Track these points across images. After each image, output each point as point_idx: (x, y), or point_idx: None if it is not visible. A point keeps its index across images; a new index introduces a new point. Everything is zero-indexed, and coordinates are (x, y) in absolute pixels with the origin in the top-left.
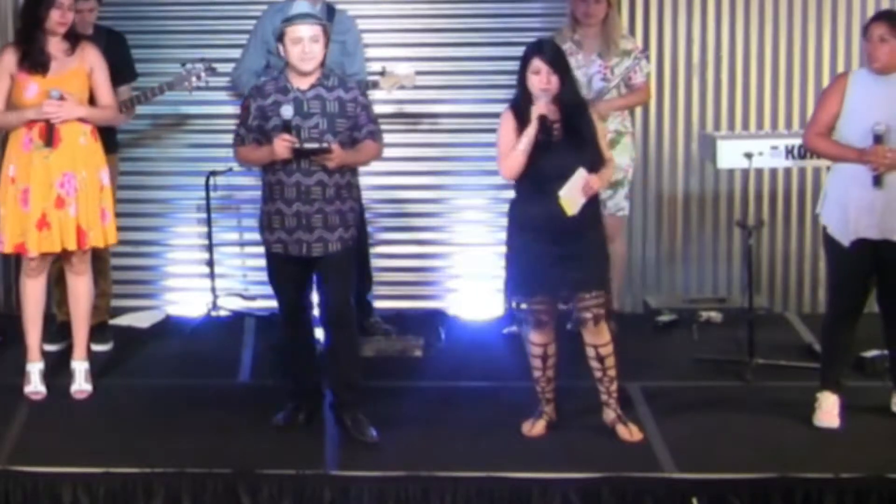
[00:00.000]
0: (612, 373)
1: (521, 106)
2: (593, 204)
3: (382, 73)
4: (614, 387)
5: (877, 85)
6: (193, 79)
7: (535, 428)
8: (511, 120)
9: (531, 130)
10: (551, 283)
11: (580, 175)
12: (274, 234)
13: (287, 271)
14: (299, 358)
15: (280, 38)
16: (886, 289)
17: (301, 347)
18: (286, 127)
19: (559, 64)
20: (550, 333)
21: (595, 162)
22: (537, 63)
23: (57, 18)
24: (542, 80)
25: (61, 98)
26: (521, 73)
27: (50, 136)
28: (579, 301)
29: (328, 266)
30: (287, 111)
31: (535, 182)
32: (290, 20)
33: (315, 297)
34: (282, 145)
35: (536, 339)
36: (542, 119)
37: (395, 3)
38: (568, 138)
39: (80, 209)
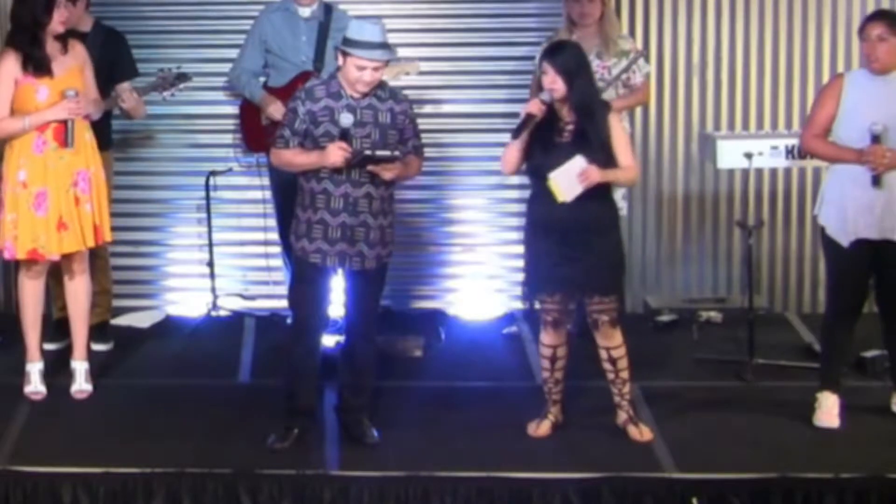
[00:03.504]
0: (624, 375)
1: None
2: (606, 208)
3: (385, 64)
4: (627, 389)
5: (874, 85)
6: (168, 86)
7: (539, 428)
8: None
9: (519, 124)
10: (559, 283)
11: (577, 162)
12: (313, 244)
13: (317, 282)
14: (299, 378)
15: (343, 51)
16: (885, 289)
17: (303, 368)
18: (344, 135)
19: (567, 67)
20: (561, 335)
21: (604, 165)
22: (545, 65)
23: (59, 18)
24: (546, 80)
25: (76, 96)
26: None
27: (70, 135)
28: (595, 304)
29: (362, 280)
30: (346, 119)
31: (540, 182)
32: (362, 47)
33: (329, 313)
34: (338, 153)
35: (546, 340)
36: (528, 116)
37: (395, 4)
38: (576, 140)
39: (94, 205)
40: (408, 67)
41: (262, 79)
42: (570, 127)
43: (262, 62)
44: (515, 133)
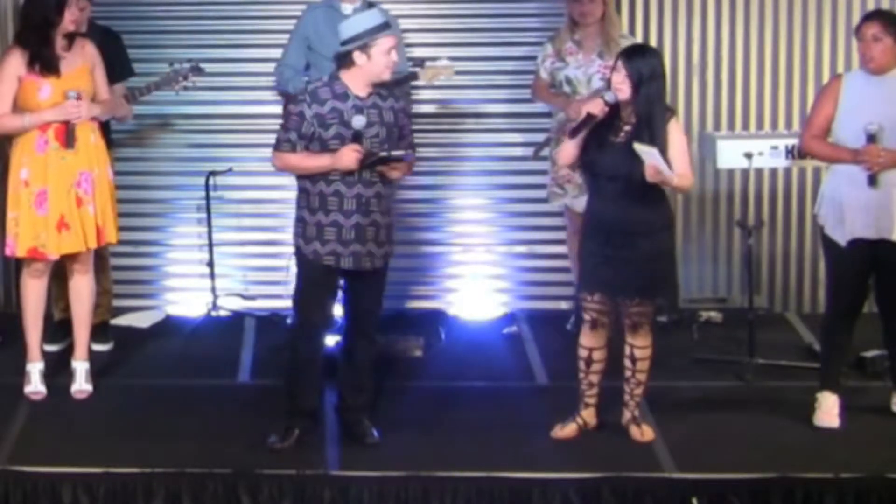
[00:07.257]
0: (640, 377)
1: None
2: (657, 212)
3: (422, 66)
4: (639, 391)
5: (870, 85)
6: (181, 79)
7: (564, 430)
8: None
9: (579, 123)
10: (599, 283)
11: (654, 155)
12: (326, 247)
13: (327, 284)
14: (303, 380)
15: (362, 46)
16: (884, 288)
17: (308, 370)
18: (356, 137)
19: (639, 73)
20: (599, 338)
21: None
22: (619, 63)
23: (70, 18)
24: (615, 78)
25: (78, 98)
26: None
27: (71, 137)
28: (623, 306)
29: (367, 279)
30: (359, 121)
31: (591, 178)
32: (381, 30)
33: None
34: (352, 156)
35: (583, 342)
36: (589, 116)
37: (395, 4)
38: (632, 142)
39: (97, 207)
40: (443, 72)
41: (304, 78)
42: (628, 128)
43: (305, 60)
44: (573, 132)
